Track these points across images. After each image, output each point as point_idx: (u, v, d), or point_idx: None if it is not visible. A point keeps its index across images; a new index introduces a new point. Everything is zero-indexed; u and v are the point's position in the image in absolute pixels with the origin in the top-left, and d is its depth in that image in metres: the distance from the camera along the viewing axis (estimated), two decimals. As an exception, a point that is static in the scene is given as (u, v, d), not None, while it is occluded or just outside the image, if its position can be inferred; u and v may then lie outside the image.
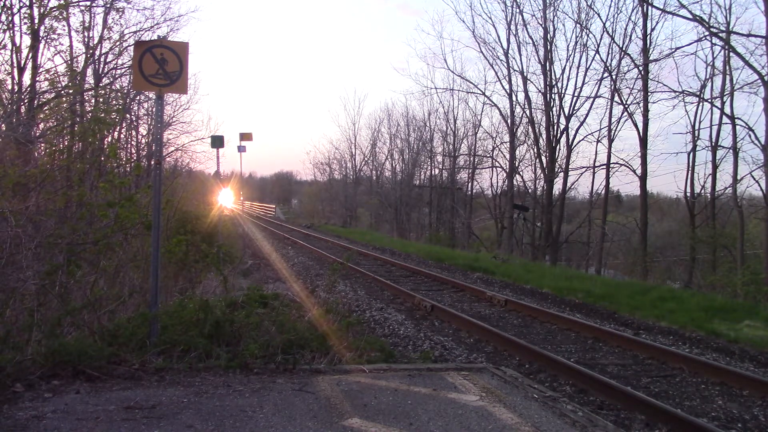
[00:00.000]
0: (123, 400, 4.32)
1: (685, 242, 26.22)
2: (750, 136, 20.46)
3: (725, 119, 22.91)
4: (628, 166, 26.13)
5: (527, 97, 29.82)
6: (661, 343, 8.61)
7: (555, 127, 29.05)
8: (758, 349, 8.54)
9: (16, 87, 11.88)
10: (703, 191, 24.81)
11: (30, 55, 12.09)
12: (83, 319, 5.54)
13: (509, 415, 4.41)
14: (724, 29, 20.56)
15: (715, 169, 23.87)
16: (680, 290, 15.64)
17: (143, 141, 22.41)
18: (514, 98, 30.62)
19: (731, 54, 20.58)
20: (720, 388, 6.65)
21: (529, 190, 32.37)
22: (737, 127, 22.19)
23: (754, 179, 20.96)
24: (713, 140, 23.87)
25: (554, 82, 28.84)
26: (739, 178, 21.99)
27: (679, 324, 9.99)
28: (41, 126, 11.34)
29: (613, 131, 27.12)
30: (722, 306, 11.44)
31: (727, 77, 22.50)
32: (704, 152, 24.56)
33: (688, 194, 25.06)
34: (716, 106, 23.23)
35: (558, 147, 29.04)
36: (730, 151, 22.67)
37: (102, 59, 16.95)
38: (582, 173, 29.39)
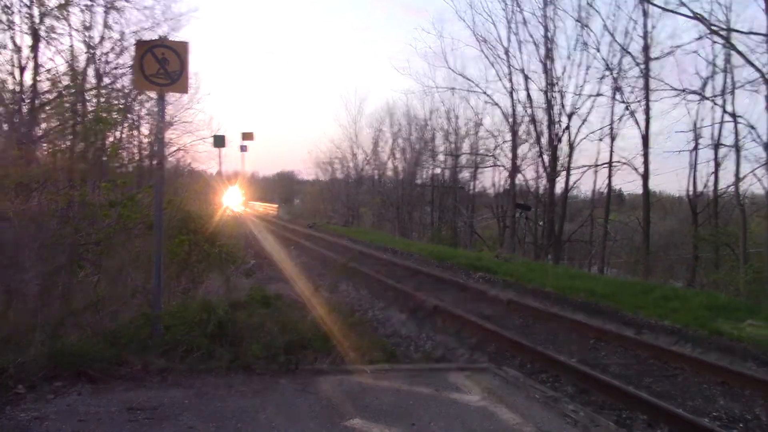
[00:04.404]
0: (125, 401, 4.33)
1: (688, 241, 26.13)
2: (752, 134, 20.33)
3: (727, 117, 22.73)
4: (630, 165, 25.99)
5: (528, 95, 29.69)
6: (663, 342, 8.60)
7: (557, 125, 28.90)
8: (761, 348, 8.50)
9: (17, 87, 11.89)
10: (705, 189, 24.64)
11: (31, 54, 12.10)
12: (86, 320, 5.54)
13: (511, 415, 4.41)
14: (724, 27, 20.44)
15: (718, 167, 23.72)
16: (683, 289, 15.60)
17: (145, 141, 22.50)
18: (515, 97, 30.46)
19: (732, 52, 20.46)
20: (722, 388, 6.65)
21: (531, 189, 32.25)
22: (739, 125, 22.02)
23: (757, 177, 20.85)
24: (715, 138, 23.69)
25: (555, 81, 28.67)
26: (741, 176, 21.87)
27: (682, 323, 9.96)
28: (43, 126, 11.35)
29: (614, 130, 26.91)
30: (725, 305, 11.40)
31: (728, 75, 22.36)
32: (706, 150, 24.33)
33: (691, 193, 24.92)
34: (718, 104, 23.06)
35: (560, 146, 28.89)
36: (733, 149, 22.52)
37: (103, 59, 16.96)
38: (584, 172, 29.22)
